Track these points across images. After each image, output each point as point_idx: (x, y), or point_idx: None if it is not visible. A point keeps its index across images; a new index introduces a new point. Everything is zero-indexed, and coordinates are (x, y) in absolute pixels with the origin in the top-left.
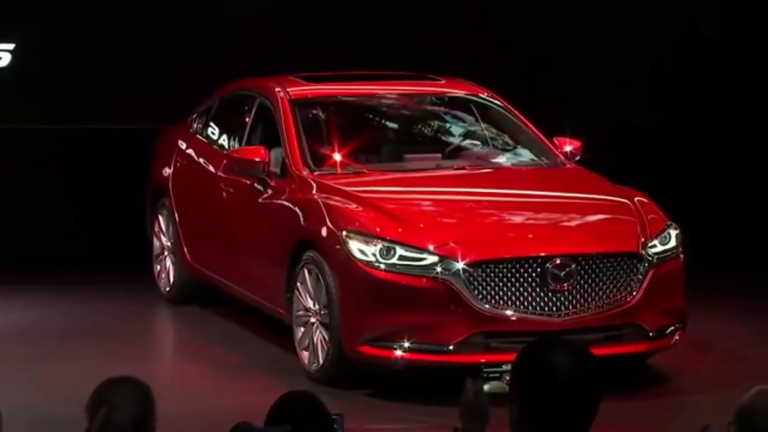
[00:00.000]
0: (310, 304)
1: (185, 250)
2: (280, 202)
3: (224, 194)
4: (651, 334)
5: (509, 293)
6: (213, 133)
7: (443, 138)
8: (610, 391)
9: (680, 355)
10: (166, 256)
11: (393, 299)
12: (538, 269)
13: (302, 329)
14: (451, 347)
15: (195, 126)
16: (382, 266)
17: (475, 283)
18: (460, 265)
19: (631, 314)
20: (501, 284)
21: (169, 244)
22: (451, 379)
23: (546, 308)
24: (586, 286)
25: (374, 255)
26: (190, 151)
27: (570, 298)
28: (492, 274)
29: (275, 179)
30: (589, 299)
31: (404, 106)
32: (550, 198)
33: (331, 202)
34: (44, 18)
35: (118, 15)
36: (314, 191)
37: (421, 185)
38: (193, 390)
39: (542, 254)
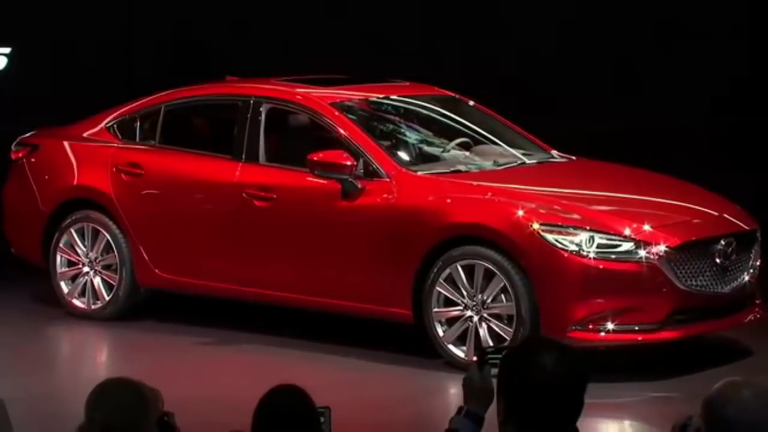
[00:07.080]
0: (465, 299)
1: (149, 263)
2: (396, 202)
3: (256, 203)
4: (758, 301)
5: (693, 271)
6: (184, 142)
7: (459, 136)
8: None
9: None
10: (88, 273)
11: (604, 285)
12: (710, 248)
13: (446, 326)
14: (654, 325)
15: (120, 133)
16: (591, 255)
17: (672, 265)
18: (663, 248)
19: (756, 285)
20: (689, 264)
21: (92, 259)
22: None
23: (718, 283)
24: (739, 261)
25: (578, 244)
26: (150, 159)
27: (730, 273)
28: (685, 255)
29: (364, 181)
30: (742, 272)
31: (417, 108)
32: (653, 187)
33: (492, 198)
34: None
35: None
36: (451, 189)
37: (537, 183)
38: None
39: (714, 235)
